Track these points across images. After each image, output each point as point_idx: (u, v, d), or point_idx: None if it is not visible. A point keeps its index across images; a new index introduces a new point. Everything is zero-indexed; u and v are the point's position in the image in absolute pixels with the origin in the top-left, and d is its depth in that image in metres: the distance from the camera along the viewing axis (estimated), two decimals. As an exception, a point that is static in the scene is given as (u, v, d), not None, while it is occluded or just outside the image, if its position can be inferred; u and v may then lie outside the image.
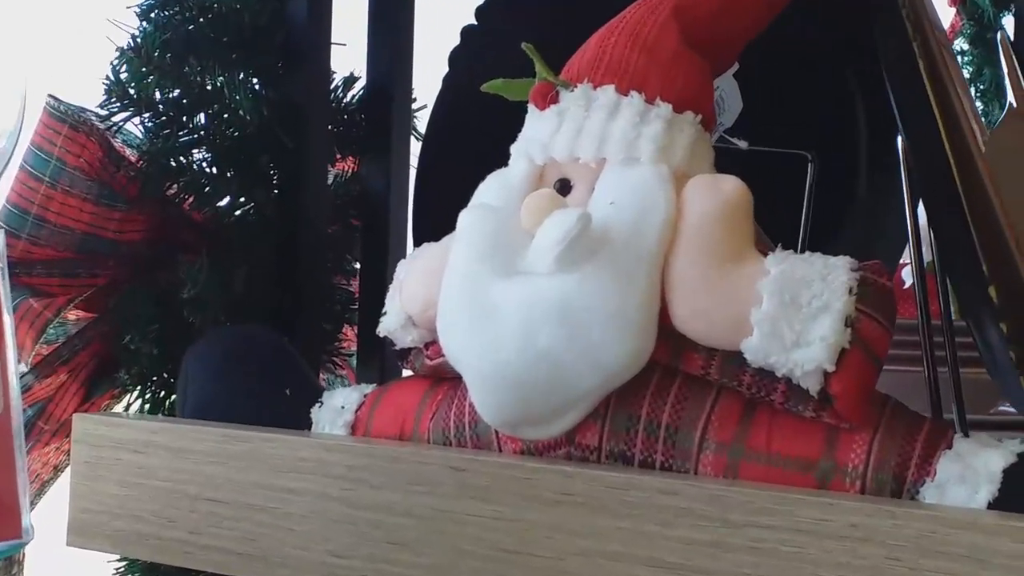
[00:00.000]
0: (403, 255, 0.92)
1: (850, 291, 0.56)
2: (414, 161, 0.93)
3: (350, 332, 0.95)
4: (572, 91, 0.64)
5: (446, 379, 0.67)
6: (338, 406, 0.71)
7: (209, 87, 0.84)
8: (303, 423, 0.72)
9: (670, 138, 0.62)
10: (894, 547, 0.51)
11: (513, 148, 0.67)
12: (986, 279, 0.62)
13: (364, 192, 0.93)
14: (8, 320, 0.60)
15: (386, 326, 0.69)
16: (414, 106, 0.95)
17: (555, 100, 0.65)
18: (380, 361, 0.92)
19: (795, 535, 0.53)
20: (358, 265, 0.94)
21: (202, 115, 0.85)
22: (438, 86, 0.89)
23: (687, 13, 0.64)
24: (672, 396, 0.60)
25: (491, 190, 0.66)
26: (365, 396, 0.71)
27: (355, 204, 0.94)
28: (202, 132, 0.85)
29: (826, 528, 0.53)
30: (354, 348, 0.95)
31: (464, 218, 0.64)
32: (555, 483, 0.59)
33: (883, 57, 0.67)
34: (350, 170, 0.94)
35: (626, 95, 0.63)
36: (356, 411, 0.70)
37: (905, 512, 0.51)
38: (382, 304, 0.91)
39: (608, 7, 0.69)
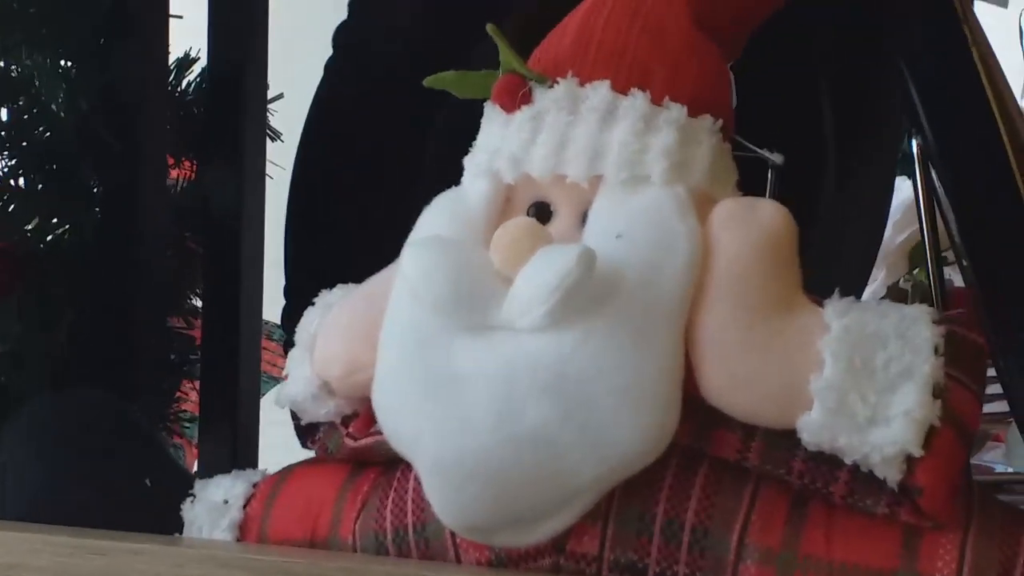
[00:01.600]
0: (259, 289, 0.85)
1: (936, 350, 0.51)
2: (269, 168, 0.88)
3: (190, 389, 0.87)
4: (550, 88, 0.59)
5: (371, 464, 0.62)
6: (219, 501, 0.65)
7: (13, 74, 0.77)
8: (170, 523, 0.65)
9: (686, 151, 0.57)
10: None
11: (468, 161, 0.62)
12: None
13: (207, 207, 0.85)
14: None
15: (290, 395, 0.63)
16: (269, 95, 0.88)
17: (527, 100, 0.59)
18: (230, 425, 0.85)
19: None
20: (199, 302, 0.87)
21: (3, 110, 0.78)
22: (302, 68, 0.81)
23: None
24: (698, 488, 0.55)
25: (443, 216, 0.60)
26: (255, 486, 0.65)
27: (195, 223, 0.86)
28: (3, 132, 0.78)
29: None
30: (193, 410, 0.88)
31: (412, 255, 0.58)
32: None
33: (926, 57, 0.66)
34: (186, 178, 0.85)
35: (626, 93, 0.58)
36: (244, 507, 0.64)
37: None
38: (232, 351, 0.85)
39: None
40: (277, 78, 0.88)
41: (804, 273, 0.55)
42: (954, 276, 0.87)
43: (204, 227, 0.87)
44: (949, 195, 0.73)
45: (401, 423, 0.57)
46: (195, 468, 0.88)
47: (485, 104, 0.61)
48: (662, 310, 0.54)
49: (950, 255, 0.80)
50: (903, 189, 0.87)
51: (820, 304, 0.54)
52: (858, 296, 0.74)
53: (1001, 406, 0.72)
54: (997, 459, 0.91)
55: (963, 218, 0.71)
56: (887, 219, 0.77)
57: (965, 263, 0.74)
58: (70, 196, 0.78)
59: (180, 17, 0.84)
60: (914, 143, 0.71)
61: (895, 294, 0.97)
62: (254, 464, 0.87)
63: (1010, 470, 0.88)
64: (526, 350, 0.53)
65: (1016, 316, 0.68)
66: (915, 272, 0.99)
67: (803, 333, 0.52)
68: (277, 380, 1.03)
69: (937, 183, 0.73)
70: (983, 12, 1.52)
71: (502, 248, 0.56)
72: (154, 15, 0.82)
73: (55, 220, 0.78)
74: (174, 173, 0.85)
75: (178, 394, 0.86)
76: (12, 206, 0.77)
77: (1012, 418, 0.76)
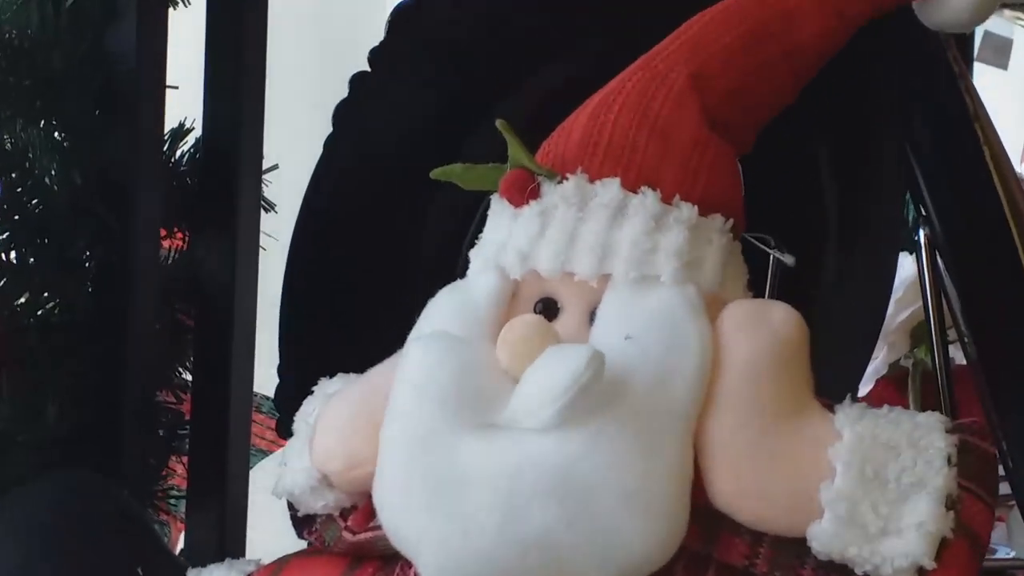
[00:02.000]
0: (250, 363, 0.85)
1: (949, 460, 0.52)
2: (263, 240, 0.87)
3: (177, 466, 0.86)
4: (559, 184, 0.59)
5: (371, 558, 0.61)
6: None
7: (7, 147, 0.77)
8: None
9: (697, 250, 0.58)
10: None
11: (474, 254, 0.62)
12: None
13: (198, 279, 0.84)
14: None
15: (287, 486, 0.62)
16: (265, 165, 0.87)
17: (535, 195, 0.59)
18: (218, 505, 0.84)
19: None
20: (189, 376, 0.86)
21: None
22: (299, 138, 0.82)
23: (708, 84, 0.60)
24: None
25: (448, 310, 0.60)
26: None
27: (186, 295, 0.86)
28: None
29: None
30: (181, 486, 0.87)
31: (415, 351, 0.58)
32: None
33: (929, 137, 0.67)
34: (178, 249, 0.85)
35: (635, 191, 0.58)
36: None
37: None
38: (222, 427, 0.85)
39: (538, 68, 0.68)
40: (273, 148, 0.88)
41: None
42: (955, 354, 0.87)
43: (195, 299, 0.86)
44: (954, 280, 0.74)
45: (403, 523, 0.56)
46: (180, 545, 0.87)
47: (492, 198, 0.61)
48: (672, 414, 0.54)
49: (951, 333, 0.80)
50: (905, 266, 0.87)
51: (831, 409, 0.54)
52: (857, 381, 0.74)
53: (1003, 487, 0.72)
54: (999, 541, 0.90)
55: (968, 302, 0.72)
56: (890, 297, 0.77)
57: (968, 344, 0.74)
58: (61, 270, 0.78)
59: (176, 88, 0.84)
60: (921, 232, 0.71)
61: (896, 373, 0.97)
62: (243, 541, 0.86)
63: (1012, 554, 0.88)
64: (532, 451, 0.53)
65: (1019, 398, 0.68)
66: (916, 351, 0.99)
67: (814, 440, 0.53)
68: (266, 453, 1.02)
69: (942, 266, 0.73)
70: (980, 72, 1.52)
71: (510, 346, 0.55)
72: (150, 86, 0.81)
73: (45, 295, 0.77)
74: (166, 243, 0.84)
75: (165, 471, 0.85)
76: (3, 280, 0.76)
77: (1014, 500, 0.76)
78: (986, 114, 0.65)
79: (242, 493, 0.86)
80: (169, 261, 0.86)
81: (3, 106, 0.77)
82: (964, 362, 0.80)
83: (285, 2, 0.91)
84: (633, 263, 0.57)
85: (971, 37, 1.46)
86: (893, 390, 0.96)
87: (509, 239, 0.59)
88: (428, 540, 0.55)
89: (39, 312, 0.78)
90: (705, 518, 0.54)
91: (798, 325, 0.55)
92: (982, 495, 0.52)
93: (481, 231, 0.62)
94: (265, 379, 0.83)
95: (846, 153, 0.69)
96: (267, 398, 0.84)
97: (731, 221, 0.59)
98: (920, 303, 0.83)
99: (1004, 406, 0.69)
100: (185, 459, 0.87)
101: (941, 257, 0.74)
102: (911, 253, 0.84)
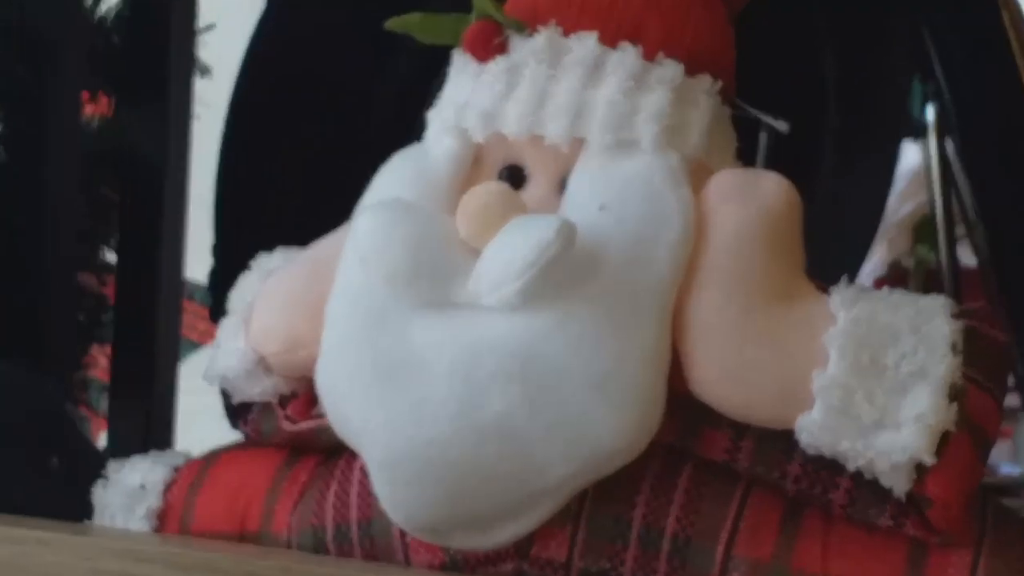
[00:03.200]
0: (180, 244, 0.84)
1: (954, 348, 0.51)
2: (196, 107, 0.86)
3: (99, 354, 0.84)
4: (530, 37, 0.58)
5: (311, 451, 0.62)
6: (135, 485, 0.64)
7: None
8: (76, 508, 0.65)
9: (681, 114, 0.57)
10: None
11: (433, 115, 0.61)
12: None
13: (125, 150, 0.83)
14: None
15: (221, 370, 0.62)
16: (199, 25, 0.86)
17: (502, 50, 0.59)
18: (144, 396, 0.84)
19: None
20: (114, 256, 0.85)
21: None
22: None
23: None
24: (681, 492, 0.54)
25: (403, 177, 0.60)
26: (176, 471, 0.65)
27: (112, 167, 0.84)
28: None
29: None
30: (103, 376, 0.86)
31: (365, 220, 0.57)
32: (517, 624, 0.54)
33: (958, 25, 0.66)
34: (102, 116, 0.84)
35: (615, 47, 0.57)
36: (164, 493, 0.64)
37: None
38: (148, 313, 0.84)
39: None
40: (208, 6, 0.87)
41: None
42: (961, 253, 0.87)
43: (121, 172, 0.86)
44: (967, 167, 0.73)
45: (348, 408, 0.56)
46: (102, 442, 0.86)
47: (454, 52, 0.61)
48: (649, 292, 0.53)
49: (959, 230, 0.80)
50: (909, 156, 0.87)
51: (826, 291, 0.53)
52: (855, 274, 0.74)
53: (1012, 399, 0.73)
54: (1002, 458, 0.91)
55: (982, 191, 0.71)
56: (891, 188, 0.77)
57: (980, 239, 0.74)
58: None
59: None
60: (929, 109, 0.71)
61: (896, 273, 0.97)
62: (170, 439, 0.87)
63: (1018, 471, 0.89)
64: (493, 331, 0.53)
65: None
66: (918, 247, 0.98)
67: (806, 323, 0.52)
68: (198, 345, 1.02)
69: (953, 156, 0.73)
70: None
71: (470, 215, 0.55)
72: None
73: None
74: (89, 109, 0.84)
75: (86, 359, 0.85)
76: None
77: (1022, 413, 0.77)
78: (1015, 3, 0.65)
79: (170, 386, 0.86)
80: (93, 130, 0.85)
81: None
82: (971, 262, 0.80)
83: None
84: (610, 126, 0.56)
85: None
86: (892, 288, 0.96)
87: (472, 98, 0.59)
88: (376, 428, 0.55)
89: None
90: (683, 408, 0.54)
91: (791, 197, 0.54)
92: (989, 387, 0.52)
93: (441, 90, 0.61)
94: (197, 263, 0.83)
95: (848, 22, 0.70)
96: (199, 286, 0.83)
97: (720, 83, 0.58)
98: (925, 196, 0.83)
99: (1018, 307, 0.69)
100: (108, 348, 0.86)
101: (952, 141, 0.74)
102: (916, 139, 0.84)
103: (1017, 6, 0.63)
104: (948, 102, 0.68)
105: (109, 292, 0.86)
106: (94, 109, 0.84)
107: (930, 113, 0.71)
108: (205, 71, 0.86)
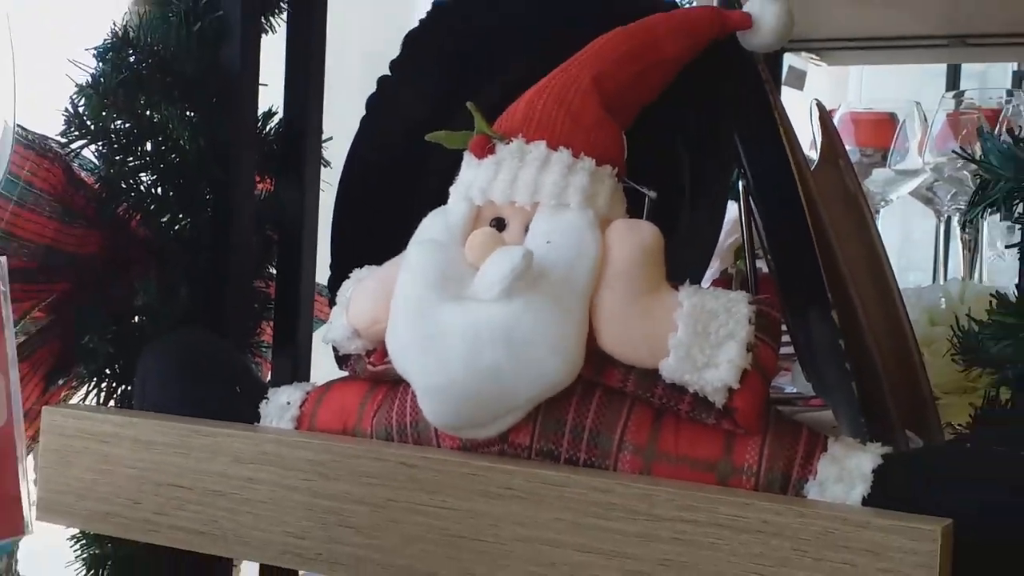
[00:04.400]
0: (313, 265, 0.85)
1: (750, 321, 0.51)
2: (322, 184, 0.86)
3: (266, 327, 0.85)
4: (507, 144, 0.58)
5: (386, 382, 0.60)
6: (284, 402, 0.63)
7: (155, 120, 0.75)
8: (251, 416, 0.63)
9: (594, 187, 0.56)
10: (801, 541, 0.47)
11: (453, 190, 0.60)
12: (830, 305, 0.59)
13: (281, 209, 0.84)
14: (10, 338, 0.48)
15: (331, 335, 0.61)
16: (324, 138, 0.86)
17: (492, 151, 0.58)
18: (294, 354, 0.84)
19: (715, 529, 0.49)
20: (274, 271, 0.85)
21: (149, 144, 0.76)
22: (345, 120, 0.79)
23: (604, 83, 0.59)
24: (594, 405, 0.54)
25: (435, 227, 0.58)
26: (308, 393, 0.63)
27: (273, 219, 0.85)
28: (148, 159, 0.76)
29: (742, 523, 0.48)
30: (269, 341, 0.86)
31: (413, 251, 0.57)
32: (499, 479, 0.53)
33: (740, 126, 0.65)
34: (267, 190, 0.84)
35: (556, 149, 0.57)
36: (300, 407, 0.62)
37: (812, 511, 0.48)
38: (295, 303, 0.85)
39: (509, 68, 0.64)
40: (328, 125, 0.87)
41: (668, 267, 0.55)
42: (760, 265, 0.86)
43: (278, 221, 0.85)
44: (760, 216, 0.73)
45: (403, 359, 0.55)
46: (267, 378, 0.86)
47: (464, 152, 0.60)
48: (576, 292, 0.53)
49: (759, 253, 0.80)
50: (731, 209, 0.86)
51: (676, 288, 0.53)
52: (700, 279, 0.74)
53: (789, 350, 0.73)
54: (786, 383, 0.90)
55: (768, 232, 0.71)
56: (721, 230, 0.76)
57: (768, 259, 0.73)
58: (191, 202, 0.76)
59: (266, 85, 0.82)
60: (740, 183, 0.70)
61: (724, 278, 0.96)
62: (308, 375, 0.86)
63: (794, 390, 0.89)
64: (487, 314, 0.52)
65: (797, 295, 0.67)
66: (737, 263, 0.98)
67: (664, 308, 0.52)
68: (321, 322, 1.02)
69: (753, 208, 0.72)
70: (785, 92, 1.52)
71: (473, 248, 0.55)
72: (248, 84, 0.79)
73: (180, 216, 0.76)
74: (261, 186, 0.83)
75: (259, 331, 0.85)
76: (152, 207, 0.75)
77: (795, 358, 0.77)
78: (783, 108, 0.63)
79: (308, 346, 0.85)
80: (261, 197, 0.85)
81: (153, 94, 0.76)
82: (766, 270, 0.80)
83: (341, 30, 0.89)
84: (553, 195, 0.56)
85: (779, 67, 1.45)
86: (722, 287, 0.96)
87: (474, 180, 0.58)
88: (419, 371, 0.54)
89: (176, 228, 0.78)
90: (595, 357, 0.53)
91: (656, 235, 0.54)
92: (771, 344, 0.52)
93: (457, 175, 0.60)
94: (322, 274, 0.82)
95: (695, 135, 0.67)
96: (323, 286, 0.83)
97: (616, 169, 0.58)
98: (739, 233, 0.83)
99: (787, 297, 0.69)
100: (271, 323, 0.86)
101: (753, 203, 0.73)
102: (735, 200, 0.83)
103: (790, 128, 0.61)
104: (750, 180, 0.67)
105: (271, 291, 0.84)
106: (263, 186, 0.83)
107: (741, 185, 0.70)
108: (327, 164, 0.84)
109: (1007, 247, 1.08)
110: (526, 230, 0.56)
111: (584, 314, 0.53)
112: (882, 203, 1.14)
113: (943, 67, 1.61)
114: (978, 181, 0.55)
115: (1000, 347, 0.53)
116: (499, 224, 0.57)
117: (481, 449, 0.55)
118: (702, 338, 0.51)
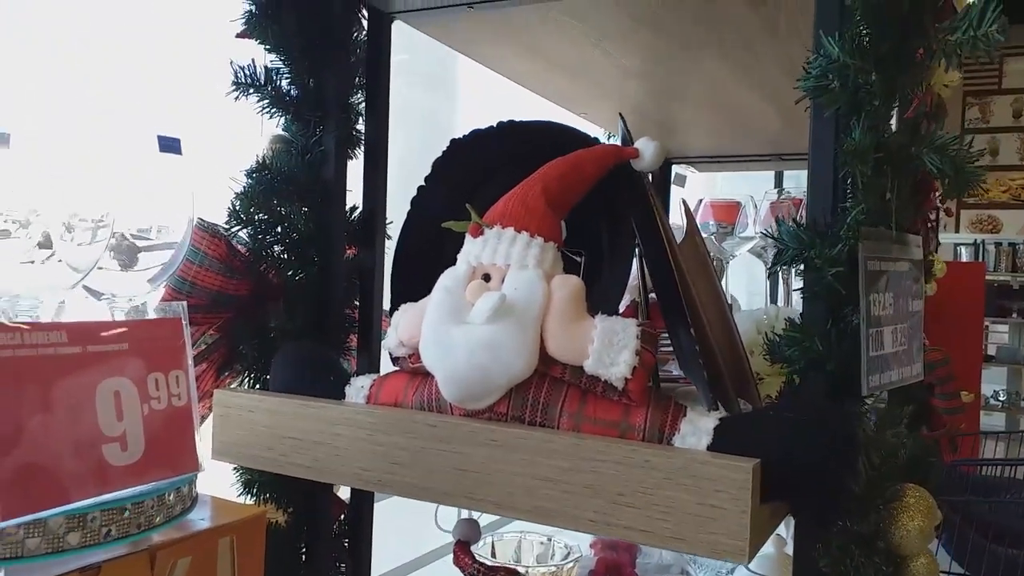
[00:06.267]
0: (381, 300, 0.84)
1: (637, 337, 0.51)
2: (387, 250, 0.84)
3: (352, 338, 0.84)
4: (491, 228, 0.58)
5: (420, 374, 0.60)
6: (359, 386, 0.63)
7: (282, 213, 0.75)
8: (339, 395, 0.63)
9: (543, 255, 0.57)
10: (669, 472, 0.48)
11: (459, 256, 0.60)
12: (689, 323, 0.59)
13: (360, 266, 0.82)
14: (189, 350, 0.48)
15: (387, 345, 0.61)
16: (387, 221, 0.85)
17: (482, 233, 0.59)
18: (369, 356, 0.83)
19: (616, 465, 0.49)
20: (357, 303, 0.83)
21: (279, 228, 0.76)
22: (399, 209, 0.79)
23: (549, 191, 0.59)
24: (545, 387, 0.54)
25: (448, 279, 0.59)
26: (374, 380, 0.63)
27: (356, 272, 0.83)
28: (279, 236, 0.76)
29: (633, 461, 0.49)
30: (355, 347, 0.85)
31: (435, 294, 0.57)
32: (487, 434, 0.53)
33: (634, 216, 0.64)
34: (352, 254, 0.83)
35: (520, 233, 0.57)
36: (369, 389, 0.62)
37: (676, 454, 0.48)
38: (372, 326, 0.84)
39: (518, 169, 0.63)
40: (388, 212, 0.86)
41: (593, 302, 0.55)
42: (653, 298, 0.84)
43: (359, 273, 0.83)
44: (649, 270, 0.72)
45: (429, 360, 0.55)
46: (354, 371, 0.85)
47: (466, 234, 0.60)
48: (532, 318, 0.53)
49: (651, 291, 0.78)
50: (634, 266, 0.85)
51: (593, 316, 0.53)
52: (616, 310, 0.73)
53: (671, 350, 0.71)
54: (674, 367, 0.88)
55: (653, 278, 0.70)
56: (628, 278, 0.76)
57: (654, 294, 0.72)
58: (305, 262, 0.76)
59: (351, 190, 0.81)
60: (637, 249, 0.70)
61: (631, 306, 0.95)
62: (378, 371, 0.85)
63: (678, 374, 0.87)
64: (478, 333, 0.53)
65: (671, 317, 0.66)
66: (639, 296, 0.96)
67: (585, 328, 0.52)
68: (384, 335, 1.00)
69: (645, 265, 0.72)
70: (673, 189, 1.51)
71: (470, 292, 0.55)
72: (339, 190, 0.79)
73: (299, 271, 0.75)
74: (348, 251, 0.82)
75: (348, 341, 0.82)
76: (281, 265, 0.74)
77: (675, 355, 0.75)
78: (660, 208, 0.62)
79: (377, 350, 0.84)
80: (348, 259, 0.83)
81: (281, 197, 0.76)
82: (656, 300, 0.78)
83: (397, 148, 0.89)
84: (518, 260, 0.56)
85: (669, 173, 1.45)
86: (631, 313, 0.94)
87: (471, 250, 0.58)
88: (438, 367, 0.55)
89: (296, 278, 0.77)
90: (545, 358, 0.53)
91: (580, 286, 0.54)
92: (651, 350, 0.52)
93: (462, 247, 0.60)
94: (385, 304, 0.81)
95: (608, 221, 0.68)
96: (387, 311, 0.82)
97: (557, 244, 0.58)
98: (639, 279, 0.81)
99: (666, 318, 0.68)
100: (355, 336, 0.85)
101: (644, 262, 0.72)
102: (635, 259, 0.82)
103: (664, 216, 0.61)
104: (642, 248, 0.65)
105: (356, 315, 0.82)
106: (349, 251, 0.81)
107: (637, 251, 0.69)
108: (388, 237, 0.83)
109: (794, 290, 1.08)
110: (503, 281, 0.56)
111: (537, 332, 0.53)
112: (731, 257, 1.14)
113: (772, 172, 1.61)
114: (776, 249, 0.55)
115: (791, 351, 0.54)
116: (486, 277, 0.57)
117: (477, 416, 0.55)
118: (609, 347, 0.51)
